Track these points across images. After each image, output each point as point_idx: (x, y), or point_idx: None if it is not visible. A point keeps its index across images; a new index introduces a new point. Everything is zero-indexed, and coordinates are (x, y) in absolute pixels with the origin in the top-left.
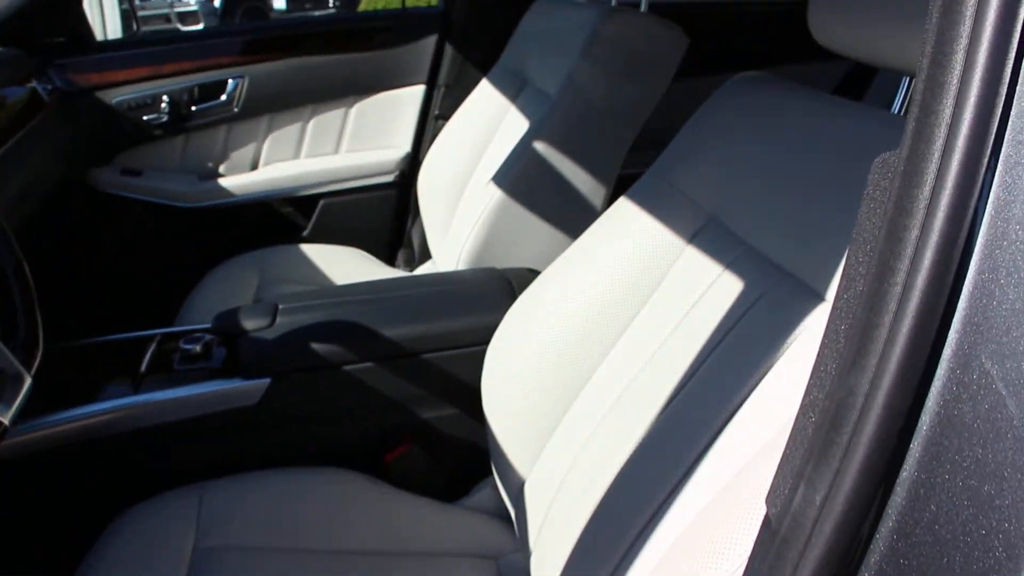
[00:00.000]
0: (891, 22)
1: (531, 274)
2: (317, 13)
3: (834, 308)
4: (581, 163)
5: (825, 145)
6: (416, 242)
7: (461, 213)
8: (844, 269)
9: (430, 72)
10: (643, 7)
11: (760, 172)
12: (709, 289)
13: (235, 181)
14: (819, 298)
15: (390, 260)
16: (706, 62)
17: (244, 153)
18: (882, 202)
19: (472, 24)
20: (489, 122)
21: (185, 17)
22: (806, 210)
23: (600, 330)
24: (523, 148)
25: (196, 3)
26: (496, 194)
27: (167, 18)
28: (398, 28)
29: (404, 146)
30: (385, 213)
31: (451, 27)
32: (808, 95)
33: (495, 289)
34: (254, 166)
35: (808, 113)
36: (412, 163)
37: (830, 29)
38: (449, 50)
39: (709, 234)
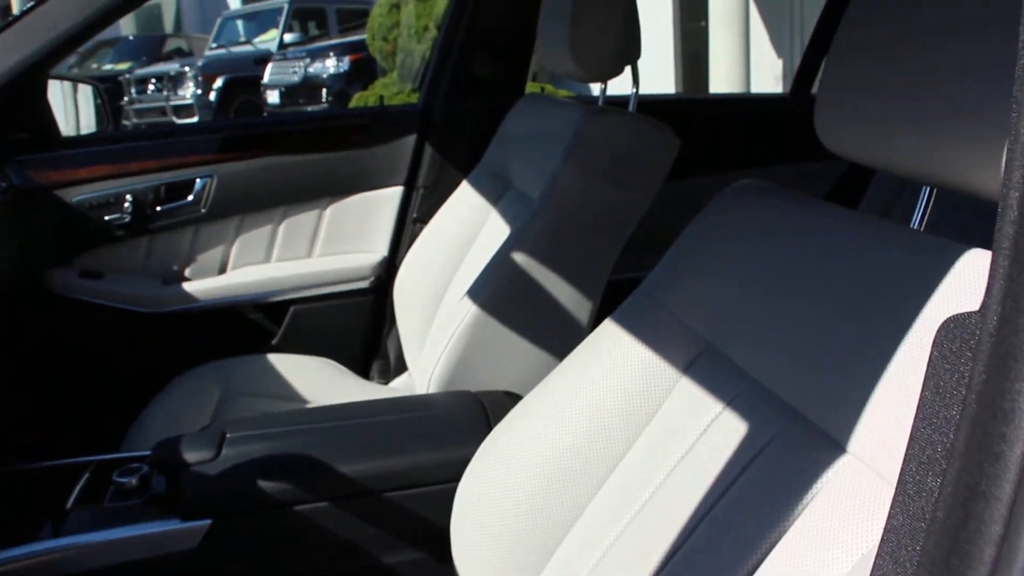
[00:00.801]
0: (907, 125)
1: (509, 398)
2: (309, 108)
3: (901, 494)
4: (564, 275)
5: (840, 266)
6: (392, 353)
7: (437, 326)
8: (910, 452)
9: (409, 173)
10: (631, 107)
11: (761, 295)
12: (711, 427)
13: (201, 286)
14: (839, 448)
15: (364, 372)
16: (699, 161)
17: (211, 256)
18: (958, 387)
19: (452, 123)
20: (469, 226)
21: (180, 110)
22: (816, 342)
23: (586, 470)
24: (501, 259)
25: (192, 97)
26: (471, 309)
27: (163, 111)
28: (376, 127)
29: (381, 250)
30: (359, 321)
31: (431, 126)
32: (815, 206)
33: (468, 417)
34: (222, 270)
35: (817, 229)
36: (389, 268)
37: (839, 132)
38: (429, 150)
39: (706, 364)
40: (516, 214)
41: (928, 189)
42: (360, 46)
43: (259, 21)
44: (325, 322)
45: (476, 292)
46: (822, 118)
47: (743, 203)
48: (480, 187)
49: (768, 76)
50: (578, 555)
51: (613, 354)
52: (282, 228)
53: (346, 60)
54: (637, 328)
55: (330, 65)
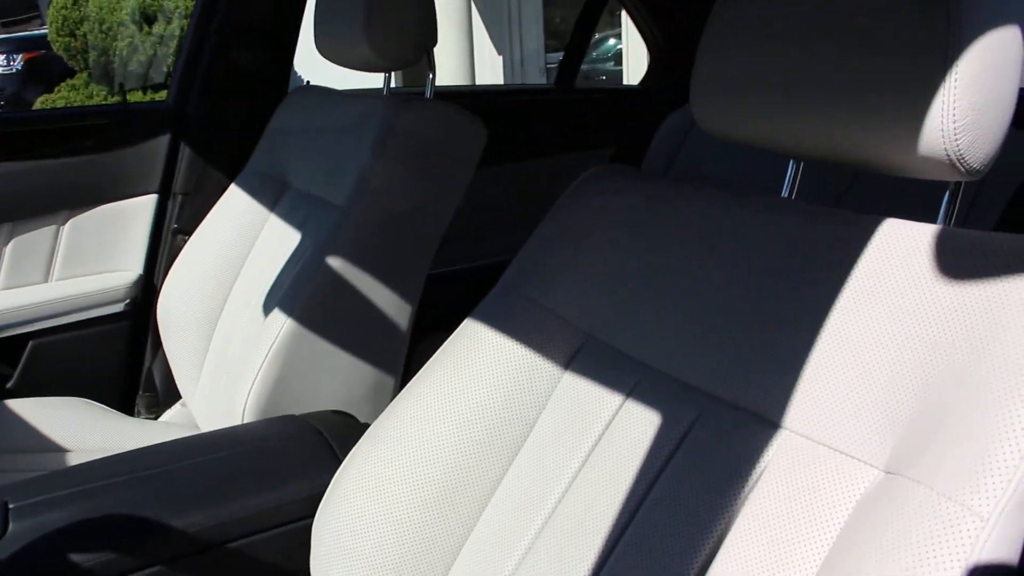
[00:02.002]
0: (776, 107)
1: (341, 418)
2: (34, 107)
3: None
4: (381, 278)
5: (724, 239)
6: (159, 382)
7: (223, 346)
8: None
9: (163, 178)
10: (428, 94)
11: (642, 279)
12: (615, 422)
13: None
14: (773, 425)
15: (127, 408)
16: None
17: None
18: None
19: (211, 120)
20: (244, 235)
21: None
22: (716, 320)
23: (470, 486)
24: (310, 266)
25: None
26: (286, 324)
27: None
28: (119, 127)
29: (135, 268)
30: (116, 351)
31: (186, 124)
32: (679, 185)
33: (307, 444)
34: None
35: (690, 206)
36: (147, 288)
37: (715, 117)
38: (186, 151)
39: (591, 357)
40: (304, 217)
41: (795, 163)
42: (36, 42)
43: None
44: (73, 356)
45: (289, 305)
46: (699, 105)
47: (603, 188)
48: (252, 190)
49: (488, 71)
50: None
51: (481, 358)
52: (9, 249)
53: (18, 59)
54: (505, 327)
55: None
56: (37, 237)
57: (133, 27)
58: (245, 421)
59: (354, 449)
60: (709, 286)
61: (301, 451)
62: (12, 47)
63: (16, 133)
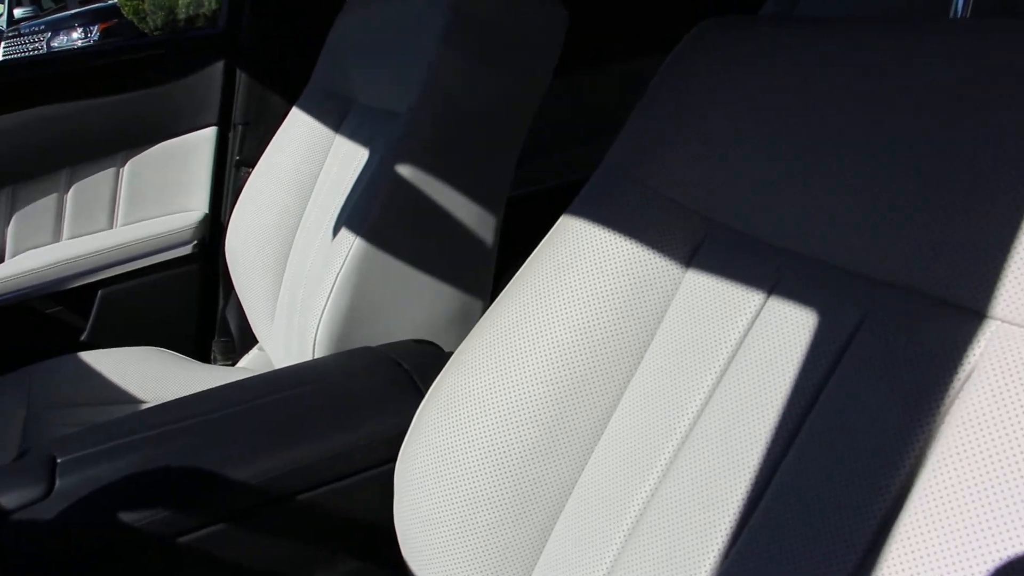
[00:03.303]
0: None
1: (424, 347)
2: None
3: None
4: (460, 188)
5: (892, 81)
6: (234, 327)
7: (295, 280)
8: None
9: (221, 109)
10: None
11: (781, 146)
12: (753, 327)
13: None
14: (976, 315)
15: (203, 355)
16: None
17: None
18: None
19: (266, 44)
20: (309, 161)
21: None
22: (882, 188)
23: (574, 416)
24: (378, 180)
25: None
26: (354, 245)
27: None
28: (171, 58)
29: (200, 207)
30: (187, 296)
31: (240, 50)
32: (816, 25)
33: (385, 379)
34: None
35: (839, 47)
36: (214, 227)
37: None
38: (243, 79)
39: (719, 247)
40: (371, 134)
41: None
42: (110, 12)
43: None
44: (144, 303)
45: (356, 224)
46: None
47: (719, 41)
48: (315, 112)
49: None
50: (589, 537)
51: (583, 261)
52: (70, 196)
53: (95, 29)
54: (611, 219)
55: (76, 37)
56: (97, 182)
57: None
58: (315, 356)
59: (437, 380)
60: (872, 143)
61: (379, 386)
62: (88, 19)
63: (64, 74)
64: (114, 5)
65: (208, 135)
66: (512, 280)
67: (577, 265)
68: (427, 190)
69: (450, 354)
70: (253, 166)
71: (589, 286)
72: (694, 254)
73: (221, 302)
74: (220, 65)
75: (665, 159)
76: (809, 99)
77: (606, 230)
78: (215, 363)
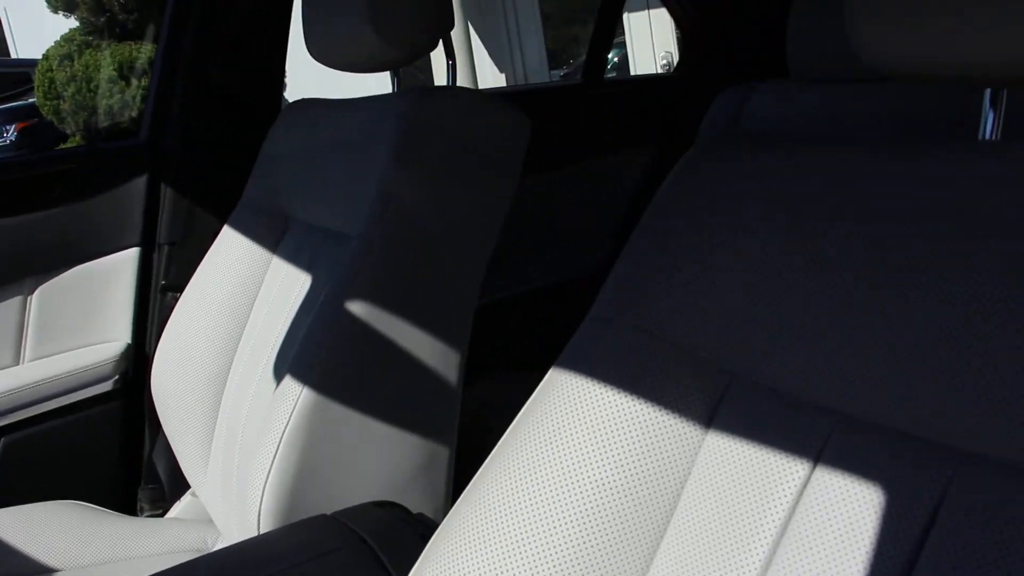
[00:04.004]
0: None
1: (385, 511)
2: None
3: None
4: (421, 322)
5: (930, 212)
6: (163, 472)
7: (232, 421)
8: None
9: (144, 228)
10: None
11: (807, 283)
12: (802, 499)
13: None
14: None
15: (128, 506)
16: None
17: None
18: None
19: (194, 156)
20: (244, 286)
21: None
22: (928, 331)
23: None
24: (326, 316)
25: None
26: (301, 396)
27: None
28: (88, 172)
29: (122, 337)
30: (108, 439)
31: (165, 163)
32: (822, 149)
33: (346, 562)
34: None
35: (851, 172)
36: (138, 359)
37: (879, 47)
38: (168, 194)
39: (743, 403)
40: (313, 256)
41: (991, 92)
42: (29, 111)
43: None
44: (58, 450)
45: (301, 371)
46: (861, 34)
47: (723, 168)
48: (248, 231)
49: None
50: None
51: (585, 422)
52: None
53: (11, 129)
54: (613, 374)
55: None
56: (1, 311)
57: (121, 83)
58: (261, 526)
59: (418, 567)
60: (908, 278)
61: (340, 572)
62: (4, 118)
63: None
64: (32, 104)
65: (130, 257)
66: (500, 444)
67: (577, 427)
68: (382, 327)
69: (418, 517)
70: (181, 291)
71: (594, 451)
72: (714, 412)
73: (147, 445)
74: (143, 179)
75: (668, 303)
76: (833, 231)
77: (606, 386)
78: (142, 514)
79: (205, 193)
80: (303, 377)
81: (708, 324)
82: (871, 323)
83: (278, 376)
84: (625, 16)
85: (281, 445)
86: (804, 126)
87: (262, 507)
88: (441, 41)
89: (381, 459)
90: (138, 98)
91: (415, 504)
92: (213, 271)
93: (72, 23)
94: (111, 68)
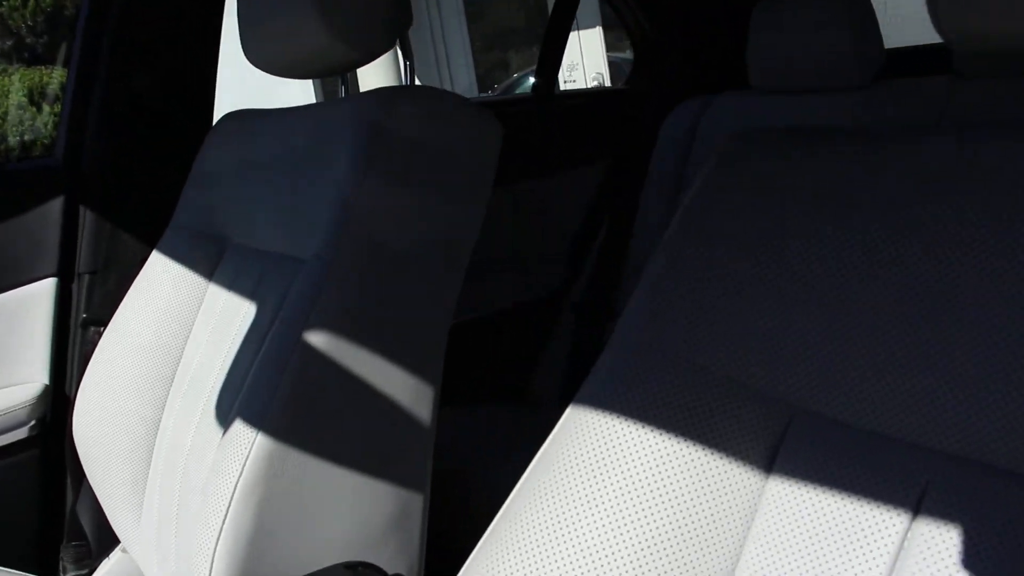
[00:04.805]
0: None
1: (354, 573)
2: None
3: None
4: (391, 354)
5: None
6: (88, 526)
7: (169, 472)
8: None
9: (61, 255)
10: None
11: (878, 298)
12: (901, 557)
13: None
14: None
15: (48, 567)
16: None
17: None
18: None
19: (116, 175)
20: (176, 318)
21: None
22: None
23: None
24: (281, 352)
25: None
26: (255, 445)
27: None
28: None
29: (39, 377)
30: (25, 491)
31: (83, 184)
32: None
33: None
34: None
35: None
36: (57, 402)
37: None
38: (88, 218)
39: (815, 445)
40: (256, 283)
41: None
42: None
43: None
44: None
45: (253, 415)
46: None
47: (762, 166)
48: (180, 256)
49: None
50: None
51: (615, 464)
52: None
53: None
54: (644, 408)
55: None
56: None
57: (32, 109)
58: None
59: None
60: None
61: None
62: None
63: None
64: None
65: (46, 288)
66: (513, 499)
67: (613, 476)
68: (347, 361)
69: None
70: (104, 325)
71: (635, 504)
72: (775, 452)
73: (70, 497)
74: (59, 202)
75: (713, 329)
76: (897, 229)
77: (646, 426)
78: (65, 575)
79: (129, 216)
80: (255, 422)
81: (762, 351)
82: (961, 342)
83: (221, 419)
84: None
85: (233, 502)
86: None
87: (213, 569)
88: (398, 40)
89: (349, 512)
90: (50, 125)
91: (387, 562)
92: (140, 302)
93: None
94: (20, 94)
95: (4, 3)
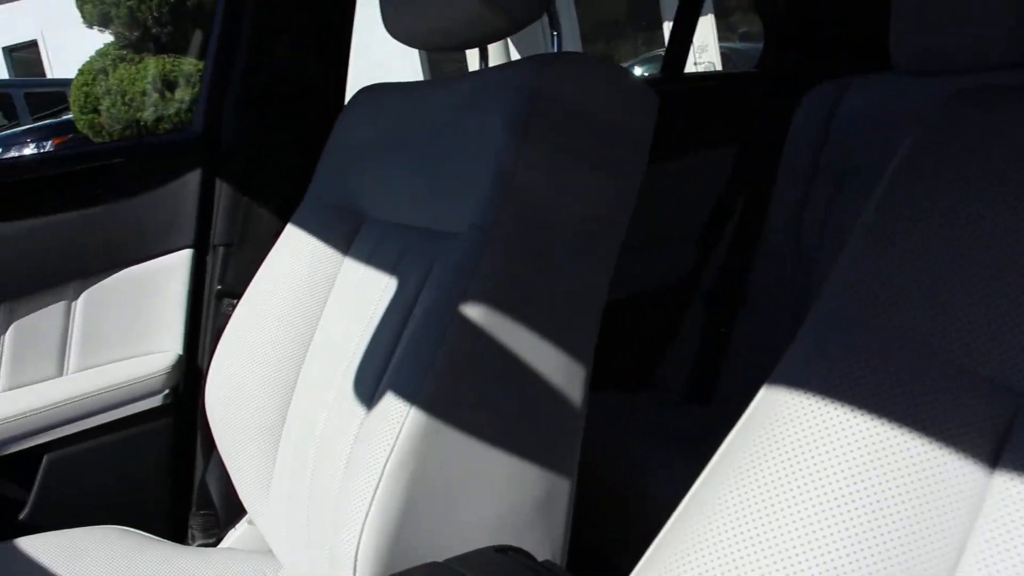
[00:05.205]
0: None
1: (510, 560)
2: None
3: None
4: (546, 330)
5: None
6: (217, 496)
7: (301, 447)
8: None
9: (197, 228)
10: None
11: None
12: None
13: None
14: None
15: (178, 534)
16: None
17: None
18: None
19: (253, 149)
20: (311, 291)
21: None
22: None
23: None
24: (432, 324)
25: None
26: (408, 419)
27: None
28: (136, 167)
29: (173, 347)
30: (158, 459)
31: (220, 157)
32: None
33: None
34: None
35: None
36: (190, 372)
37: None
38: (224, 191)
39: None
40: (398, 258)
41: None
42: (65, 127)
43: None
44: (103, 470)
45: (407, 388)
46: None
47: (971, 128)
48: (316, 230)
49: None
50: None
51: (823, 453)
52: (8, 338)
53: (48, 145)
54: (865, 399)
55: (28, 153)
56: (43, 318)
57: (156, 95)
58: (359, 572)
59: None
60: None
61: None
62: (41, 135)
63: (2, 186)
64: (69, 120)
65: (182, 259)
66: (697, 491)
67: (822, 469)
68: (503, 337)
69: (545, 565)
70: (238, 297)
71: (842, 492)
72: (1001, 447)
73: (200, 466)
74: (196, 175)
75: (929, 306)
76: None
77: (855, 409)
78: (193, 542)
79: (264, 190)
80: (409, 396)
81: (991, 336)
82: None
83: (363, 394)
84: (665, 24)
85: (383, 478)
86: (911, 123)
87: (359, 550)
88: (546, 9)
89: (498, 494)
90: (172, 110)
91: (532, 548)
92: (275, 275)
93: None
94: (146, 81)
95: None
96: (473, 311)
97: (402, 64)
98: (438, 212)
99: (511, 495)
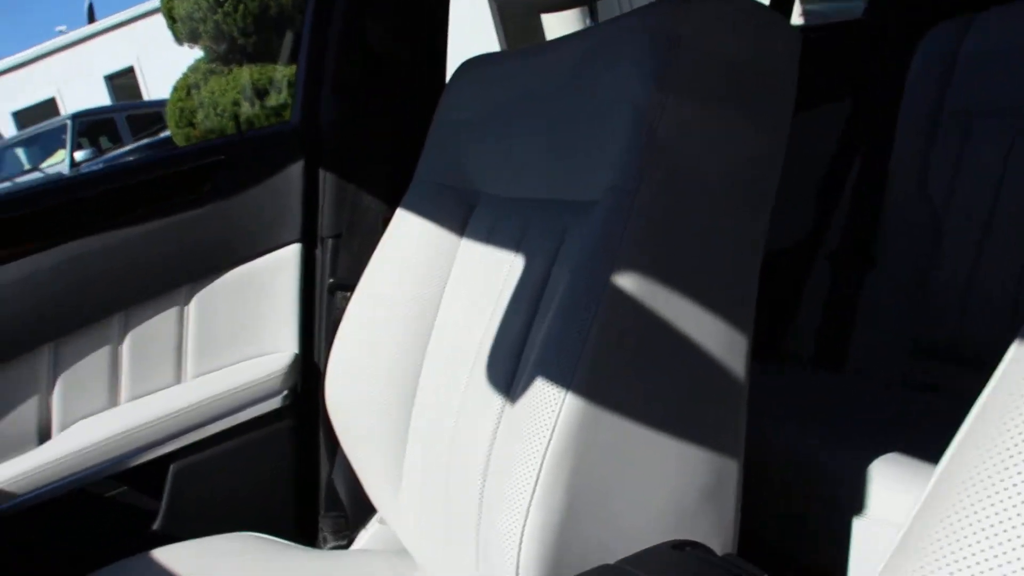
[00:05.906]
0: None
1: (688, 557)
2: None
3: None
4: (701, 297)
5: None
6: (345, 496)
7: (436, 439)
8: None
9: (304, 220)
10: None
11: None
12: None
13: (9, 471)
14: None
15: (309, 537)
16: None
17: (17, 418)
18: None
19: (353, 136)
20: (430, 277)
21: None
22: None
23: None
24: (579, 301)
25: None
26: (564, 406)
27: None
28: (236, 163)
29: (289, 346)
30: (282, 462)
31: (321, 146)
32: None
33: None
34: (43, 436)
35: None
36: (308, 370)
37: None
38: (328, 181)
39: None
40: (522, 233)
41: None
42: (164, 144)
43: (42, 144)
44: (229, 476)
45: (560, 373)
46: None
47: None
48: (428, 213)
49: None
50: None
51: None
52: (126, 347)
53: None
54: None
55: None
56: (158, 325)
57: (246, 104)
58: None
59: None
60: None
61: None
62: (142, 153)
63: (108, 196)
64: (168, 138)
65: (291, 255)
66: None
67: None
68: (659, 309)
69: (728, 560)
70: (351, 289)
71: None
72: None
73: (325, 466)
74: (299, 168)
75: None
76: None
77: None
78: (325, 545)
79: (369, 176)
80: (562, 381)
81: None
82: None
83: (498, 381)
84: None
85: (542, 474)
86: None
87: (520, 560)
88: None
89: (663, 483)
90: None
91: (703, 539)
92: (388, 263)
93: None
94: (237, 91)
95: (218, 10)
96: (624, 283)
97: (481, 40)
98: (565, 181)
99: (678, 483)
